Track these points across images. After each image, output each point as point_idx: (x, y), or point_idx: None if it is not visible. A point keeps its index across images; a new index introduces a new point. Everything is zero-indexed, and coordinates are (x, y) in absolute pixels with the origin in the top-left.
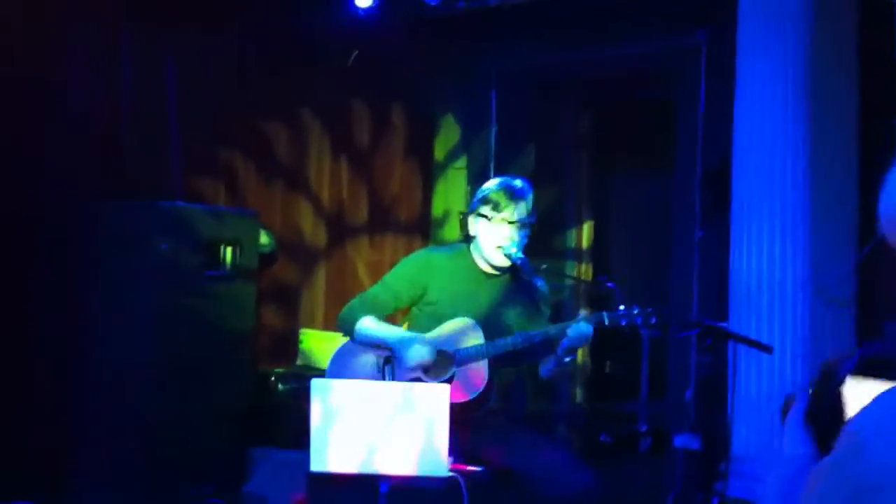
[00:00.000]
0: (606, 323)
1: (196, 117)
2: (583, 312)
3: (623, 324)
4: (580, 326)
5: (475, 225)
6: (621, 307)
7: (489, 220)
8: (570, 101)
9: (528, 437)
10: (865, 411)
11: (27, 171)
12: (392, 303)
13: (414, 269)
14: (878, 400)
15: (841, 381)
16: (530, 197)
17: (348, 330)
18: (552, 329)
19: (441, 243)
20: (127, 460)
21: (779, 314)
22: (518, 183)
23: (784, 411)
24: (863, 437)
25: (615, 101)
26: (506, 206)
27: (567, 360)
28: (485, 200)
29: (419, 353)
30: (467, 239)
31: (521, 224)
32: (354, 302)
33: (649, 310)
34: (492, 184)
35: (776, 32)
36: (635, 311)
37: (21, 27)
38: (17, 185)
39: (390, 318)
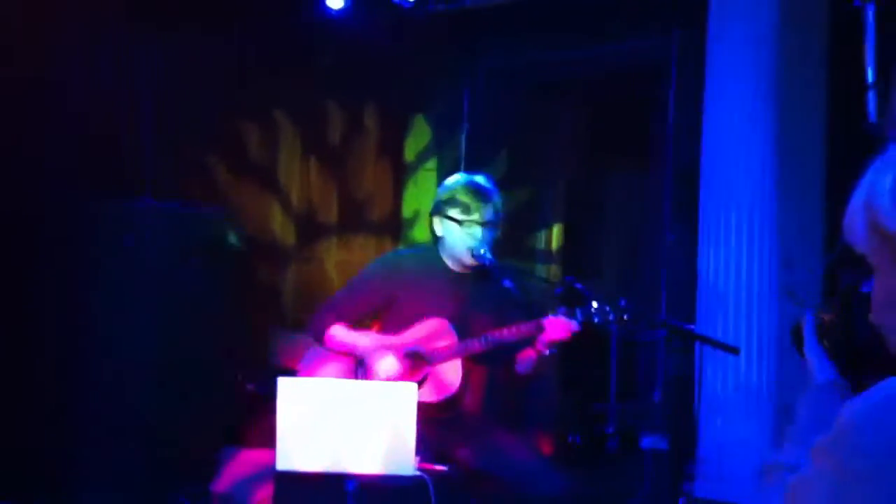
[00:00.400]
0: (580, 319)
1: (171, 116)
2: (560, 309)
3: (596, 321)
4: (560, 320)
5: (442, 226)
6: (594, 304)
7: (460, 223)
8: (542, 102)
9: (500, 438)
10: (860, 399)
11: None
12: (360, 308)
13: (382, 274)
14: (874, 390)
15: (864, 296)
16: (497, 195)
17: (318, 337)
18: (524, 326)
19: (411, 244)
20: (114, 460)
21: (746, 315)
22: (483, 181)
23: (795, 337)
24: (853, 423)
25: (587, 101)
26: (476, 209)
27: (548, 352)
28: (453, 203)
29: (388, 365)
30: (436, 239)
31: (491, 224)
32: (323, 308)
33: (622, 303)
34: (456, 183)
35: (746, 34)
36: (607, 309)
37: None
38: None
39: (361, 320)
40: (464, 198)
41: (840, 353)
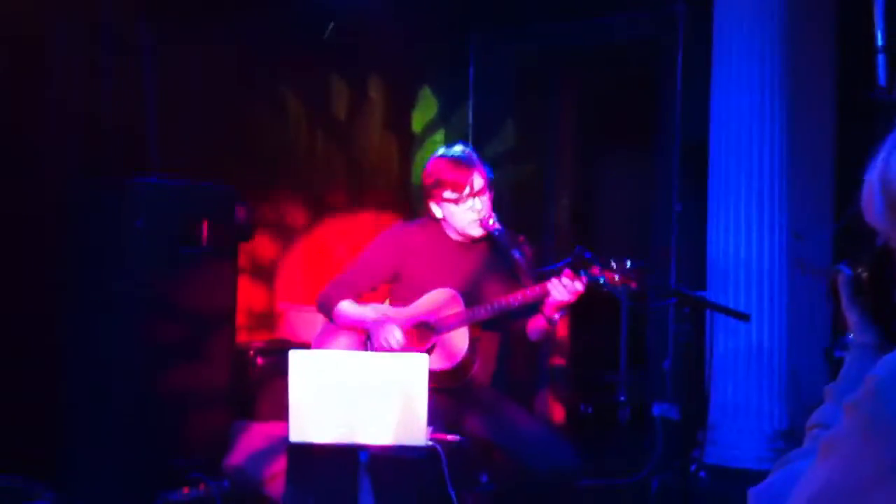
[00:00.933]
0: (585, 281)
1: (174, 94)
2: (565, 271)
3: (602, 281)
4: (565, 282)
5: (440, 209)
6: (605, 263)
7: (456, 203)
8: (549, 74)
9: (511, 409)
10: (889, 357)
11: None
12: (368, 283)
13: (389, 247)
14: None
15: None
16: (478, 159)
17: (328, 313)
18: (530, 290)
19: (417, 216)
20: (114, 439)
21: (756, 284)
22: (460, 151)
23: (832, 291)
24: (881, 381)
25: (594, 74)
26: (465, 182)
27: (557, 316)
28: (440, 184)
29: (391, 334)
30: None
31: (486, 189)
32: (332, 284)
33: (628, 264)
34: (437, 163)
35: (753, 4)
36: (614, 265)
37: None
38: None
39: (372, 294)
40: (449, 175)
41: (874, 313)
